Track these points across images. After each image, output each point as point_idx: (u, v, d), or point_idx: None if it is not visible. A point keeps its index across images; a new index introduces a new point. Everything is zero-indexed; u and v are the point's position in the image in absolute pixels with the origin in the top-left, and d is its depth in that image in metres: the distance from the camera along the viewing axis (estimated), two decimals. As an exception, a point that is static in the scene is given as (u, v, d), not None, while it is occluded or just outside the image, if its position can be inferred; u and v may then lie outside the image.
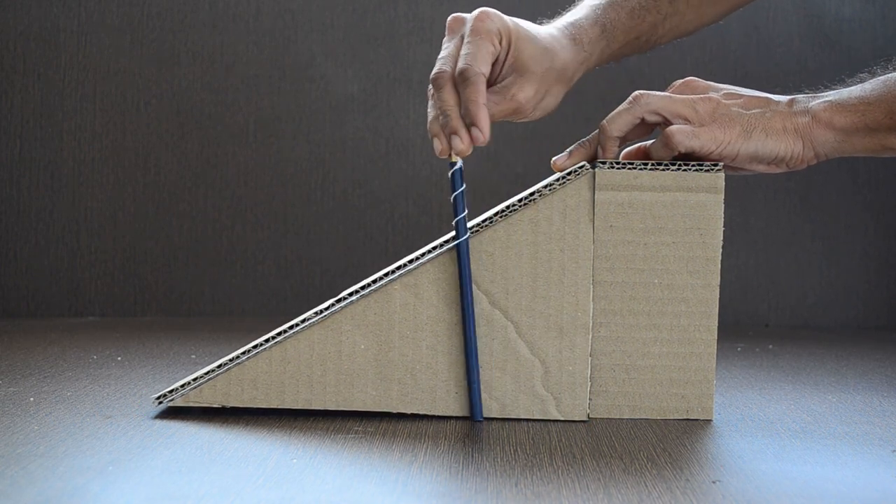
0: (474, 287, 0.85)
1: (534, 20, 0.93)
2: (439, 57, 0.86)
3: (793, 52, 1.62)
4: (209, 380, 0.85)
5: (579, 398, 0.86)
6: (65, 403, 0.89)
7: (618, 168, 0.86)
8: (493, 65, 0.88)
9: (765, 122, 0.86)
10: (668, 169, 0.86)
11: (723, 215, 0.86)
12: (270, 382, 0.85)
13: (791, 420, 0.89)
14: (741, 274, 1.61)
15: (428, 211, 1.60)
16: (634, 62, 1.52)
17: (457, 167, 0.85)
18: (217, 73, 1.60)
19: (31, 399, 0.90)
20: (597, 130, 0.89)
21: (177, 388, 0.85)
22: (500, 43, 0.87)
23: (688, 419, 0.87)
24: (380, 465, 0.73)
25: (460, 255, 0.84)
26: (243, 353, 0.85)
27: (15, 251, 1.57)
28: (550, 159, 0.89)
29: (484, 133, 0.83)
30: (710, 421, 0.87)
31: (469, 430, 0.82)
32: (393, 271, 0.86)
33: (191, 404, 0.85)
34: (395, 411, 0.86)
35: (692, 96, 0.87)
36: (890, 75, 0.87)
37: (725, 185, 0.86)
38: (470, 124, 0.83)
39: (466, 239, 0.84)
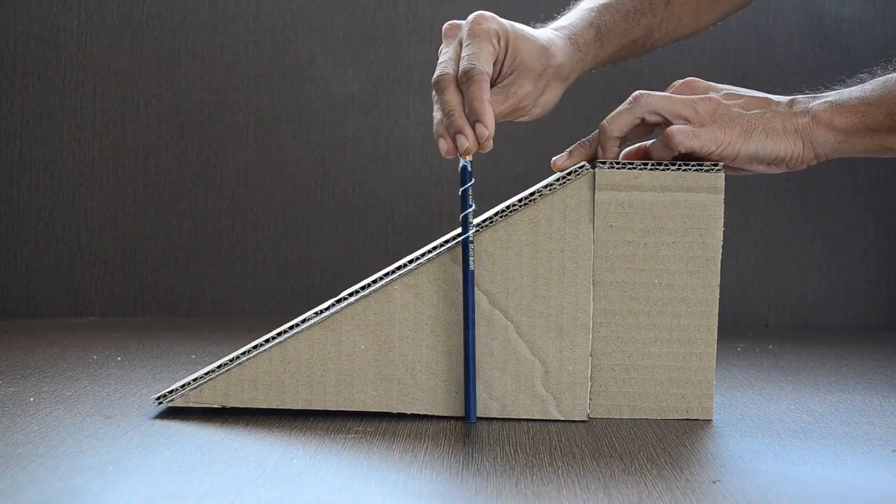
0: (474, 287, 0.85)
1: (529, 24, 0.94)
2: (440, 61, 0.87)
3: (793, 52, 1.62)
4: (209, 380, 0.85)
5: (579, 398, 0.86)
6: (65, 403, 0.89)
7: (618, 168, 0.86)
8: (493, 65, 0.88)
9: (765, 123, 0.86)
10: (668, 169, 0.86)
11: (723, 215, 0.86)
12: (270, 383, 0.85)
13: (791, 420, 0.89)
14: (741, 274, 1.61)
15: (428, 211, 1.60)
16: (634, 62, 1.52)
17: (463, 163, 0.85)
18: (217, 73, 1.60)
19: (31, 399, 0.90)
20: (597, 130, 0.89)
21: (177, 389, 0.85)
22: (499, 43, 0.87)
23: (688, 419, 0.87)
24: (380, 465, 0.73)
25: (465, 249, 0.84)
26: (243, 353, 0.85)
27: (15, 251, 1.57)
28: (550, 159, 0.89)
29: (489, 129, 0.84)
30: (710, 421, 0.87)
31: (469, 430, 0.82)
32: (393, 271, 0.86)
33: (191, 405, 0.85)
34: (395, 411, 0.86)
35: (692, 97, 0.87)
36: (890, 76, 0.87)
37: (725, 185, 0.86)
38: (474, 121, 0.84)
39: (471, 234, 0.84)
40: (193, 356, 1.16)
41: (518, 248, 0.86)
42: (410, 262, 0.86)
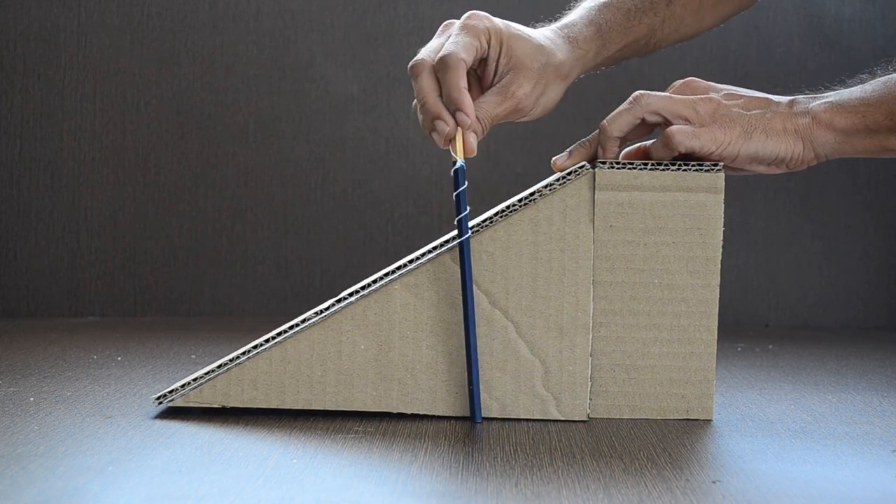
0: (474, 287, 0.85)
1: (529, 24, 0.94)
2: (419, 50, 0.87)
3: (793, 52, 1.62)
4: (209, 380, 0.85)
5: (579, 398, 0.86)
6: (65, 403, 0.89)
7: (618, 168, 0.86)
8: (487, 64, 0.88)
9: (765, 123, 0.86)
10: (668, 169, 0.86)
11: (723, 215, 0.86)
12: (270, 382, 0.85)
13: (791, 420, 0.89)
14: (741, 274, 1.61)
15: (428, 211, 1.60)
16: (634, 62, 1.52)
17: (458, 166, 0.84)
18: (217, 73, 1.60)
19: (31, 399, 0.90)
20: (597, 130, 0.89)
21: (177, 389, 0.85)
22: (489, 42, 0.87)
23: (688, 419, 0.87)
24: (380, 465, 0.73)
25: (462, 253, 0.84)
26: (243, 353, 0.85)
27: (15, 251, 1.57)
28: (550, 159, 0.89)
29: (469, 115, 0.83)
30: (710, 421, 0.87)
31: (469, 430, 0.82)
32: (393, 271, 0.86)
33: (191, 404, 0.85)
34: (395, 411, 0.86)
35: (693, 97, 0.87)
36: (890, 76, 0.87)
37: (725, 185, 0.86)
38: (455, 110, 0.84)
39: (468, 238, 0.84)
40: (193, 356, 1.16)
41: (518, 248, 0.86)
42: (410, 262, 0.86)
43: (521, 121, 0.92)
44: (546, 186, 0.86)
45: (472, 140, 0.85)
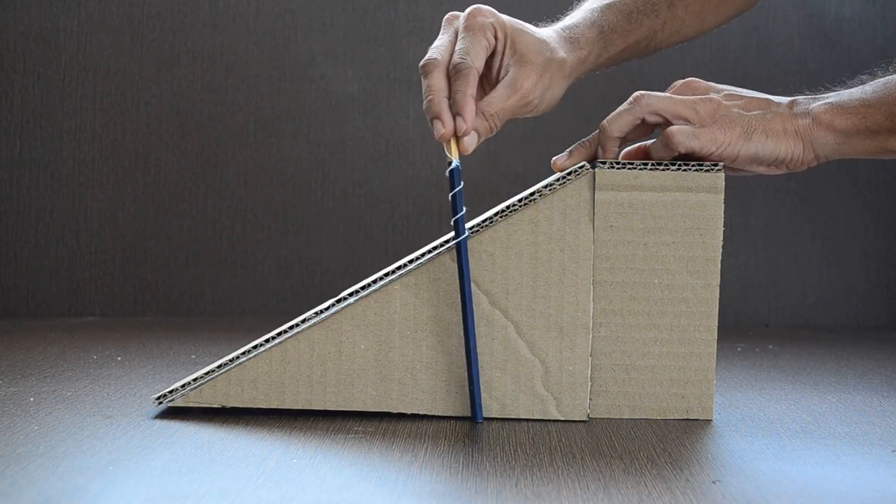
0: (474, 287, 0.85)
1: (531, 24, 0.94)
2: (431, 47, 0.88)
3: (793, 52, 1.62)
4: (209, 380, 0.85)
5: (579, 398, 0.86)
6: (65, 403, 0.89)
7: (618, 168, 0.86)
8: (493, 58, 0.89)
9: (765, 124, 0.86)
10: (668, 169, 0.86)
11: (723, 215, 0.86)
12: (270, 383, 0.85)
13: (791, 420, 0.89)
14: (741, 274, 1.61)
15: (428, 211, 1.60)
16: (634, 62, 1.52)
17: (453, 166, 0.84)
18: (217, 73, 1.60)
19: (31, 399, 0.90)
20: (597, 130, 0.89)
21: (177, 389, 0.85)
22: (495, 36, 0.88)
23: (688, 419, 0.87)
24: (380, 465, 0.73)
25: (460, 254, 0.84)
26: (243, 353, 0.85)
27: (15, 251, 1.57)
28: (550, 159, 0.89)
29: (467, 122, 0.84)
30: (710, 421, 0.87)
31: (469, 430, 0.82)
32: (393, 271, 0.86)
33: (191, 404, 0.85)
34: (395, 411, 0.86)
35: (693, 97, 0.87)
36: (890, 77, 0.87)
37: (725, 185, 0.86)
38: (455, 114, 0.84)
39: (465, 238, 0.84)
40: (193, 356, 1.16)
41: (518, 248, 0.86)
42: (410, 262, 0.86)
43: (529, 116, 0.92)
44: (546, 186, 0.86)
45: (471, 140, 0.85)
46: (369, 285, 0.86)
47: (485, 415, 0.86)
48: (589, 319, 0.86)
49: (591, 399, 0.87)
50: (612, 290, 0.86)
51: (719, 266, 0.86)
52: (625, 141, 0.89)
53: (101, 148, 1.59)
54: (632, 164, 0.86)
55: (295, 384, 0.85)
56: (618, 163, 0.86)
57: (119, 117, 1.59)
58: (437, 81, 0.86)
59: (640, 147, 0.90)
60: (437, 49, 0.87)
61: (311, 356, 0.86)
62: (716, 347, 0.87)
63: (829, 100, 0.87)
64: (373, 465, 0.73)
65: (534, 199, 0.85)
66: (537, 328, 0.86)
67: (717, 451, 0.79)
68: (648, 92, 0.87)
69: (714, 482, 0.70)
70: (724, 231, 0.86)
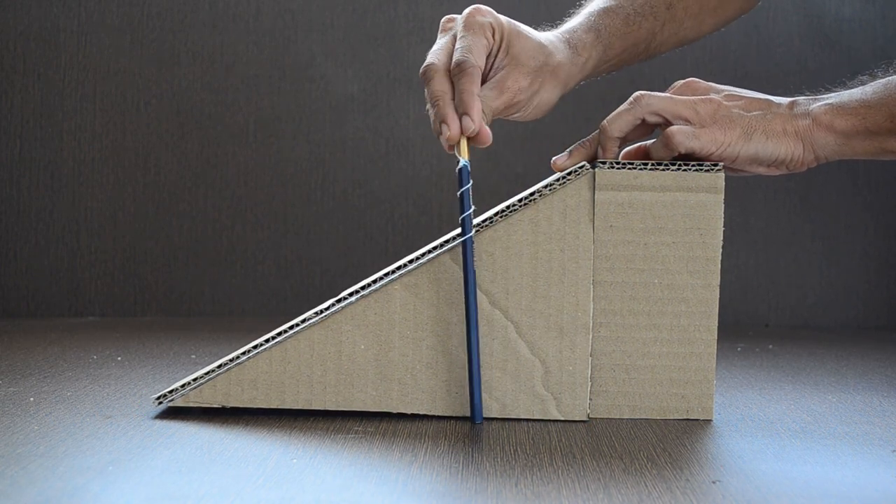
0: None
1: (531, 27, 0.94)
2: (430, 52, 0.87)
3: (793, 52, 1.62)
4: (209, 380, 0.85)
5: (579, 398, 0.86)
6: (65, 403, 0.89)
7: (618, 168, 0.86)
8: (487, 58, 0.88)
9: (765, 125, 0.86)
10: (668, 169, 0.86)
11: (723, 215, 0.86)
12: (270, 382, 0.85)
13: (791, 420, 0.89)
14: (741, 274, 1.61)
15: (428, 211, 1.60)
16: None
17: (461, 166, 0.85)
18: (217, 73, 1.60)
19: (31, 399, 0.90)
20: (597, 130, 0.89)
21: (177, 389, 0.85)
22: (493, 36, 0.87)
23: (688, 419, 0.87)
24: (380, 465, 0.73)
25: (465, 252, 0.84)
26: (243, 353, 0.85)
27: (15, 251, 1.57)
28: (550, 159, 0.89)
29: (475, 121, 0.84)
30: (710, 421, 0.87)
31: (469, 430, 0.82)
32: (393, 271, 0.86)
33: (191, 404, 0.85)
34: (395, 411, 0.86)
35: (693, 97, 0.87)
36: (890, 78, 0.87)
37: (725, 185, 0.86)
38: (462, 113, 0.84)
39: (471, 237, 0.84)
40: (193, 356, 1.16)
41: (518, 248, 0.86)
42: (410, 262, 0.86)
43: (514, 119, 0.92)
44: (546, 186, 0.86)
45: (485, 132, 0.85)
46: (369, 285, 0.86)
47: (485, 415, 0.86)
48: (589, 319, 0.86)
49: (591, 399, 0.87)
50: (612, 290, 0.86)
51: (719, 266, 0.86)
52: (625, 141, 0.89)
53: (101, 148, 1.59)
54: (632, 164, 0.86)
55: (295, 384, 0.85)
56: (618, 163, 0.86)
57: (119, 117, 1.59)
58: (440, 85, 0.85)
59: (640, 147, 0.90)
60: (436, 53, 0.87)
61: (311, 356, 0.86)
62: (716, 347, 0.87)
63: (830, 100, 0.87)
64: (373, 465, 0.73)
65: (534, 199, 0.85)
66: (537, 328, 0.86)
67: (717, 451, 0.79)
68: (648, 92, 0.87)
69: (714, 482, 0.70)
70: (724, 231, 0.86)
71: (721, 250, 0.86)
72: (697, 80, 0.90)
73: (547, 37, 0.92)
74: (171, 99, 1.60)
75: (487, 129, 0.86)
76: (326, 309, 0.86)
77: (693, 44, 1.59)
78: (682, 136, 0.85)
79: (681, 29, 1.00)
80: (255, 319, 1.55)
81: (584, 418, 0.86)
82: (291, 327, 0.85)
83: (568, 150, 0.89)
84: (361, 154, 1.61)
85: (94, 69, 1.59)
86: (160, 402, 0.86)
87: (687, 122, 0.86)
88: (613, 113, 0.88)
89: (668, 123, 0.86)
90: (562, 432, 0.82)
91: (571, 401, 0.86)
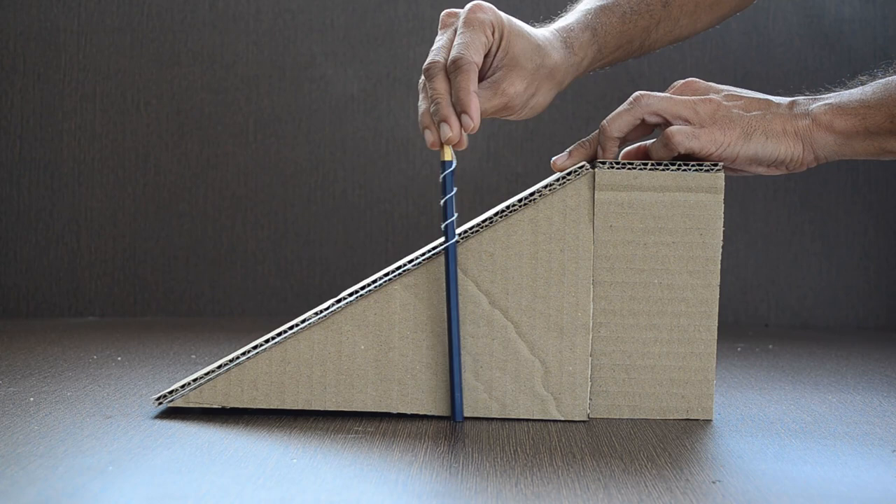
0: (474, 287, 0.85)
1: (528, 23, 0.93)
2: (432, 49, 0.87)
3: (793, 52, 1.62)
4: (209, 380, 0.85)
5: (579, 398, 0.86)
6: (65, 403, 0.89)
7: (618, 168, 0.86)
8: (485, 57, 0.88)
9: (765, 125, 0.86)
10: (667, 169, 0.86)
11: (723, 215, 0.86)
12: (270, 383, 0.85)
13: (791, 420, 0.89)
14: (741, 274, 1.61)
15: (428, 211, 1.60)
16: (634, 62, 1.52)
17: (449, 170, 0.84)
18: (217, 73, 1.60)
19: (31, 399, 0.90)
20: (597, 130, 0.89)
21: (177, 389, 0.85)
22: (493, 34, 0.87)
23: (688, 419, 0.87)
24: (380, 465, 0.73)
25: (448, 258, 0.84)
26: (243, 353, 0.85)
27: (15, 251, 1.57)
28: (550, 159, 0.89)
29: (474, 120, 0.83)
30: (710, 421, 0.87)
31: (469, 430, 0.82)
32: (393, 271, 0.86)
33: (191, 405, 0.85)
34: (395, 411, 0.86)
35: (693, 97, 0.87)
36: (890, 78, 0.87)
37: (725, 185, 0.86)
38: (460, 112, 0.84)
39: (454, 243, 0.84)
40: (193, 356, 1.16)
41: (518, 248, 0.86)
42: (410, 262, 0.86)
43: (508, 119, 0.91)
44: (546, 186, 0.86)
45: (464, 136, 0.85)
46: (369, 285, 0.86)
47: (485, 415, 0.86)
48: (589, 319, 0.86)
49: (591, 399, 0.87)
50: (612, 290, 0.86)
51: (719, 266, 0.86)
52: (625, 141, 0.89)
53: (101, 148, 1.59)
54: (632, 164, 0.86)
55: (295, 384, 0.85)
56: (618, 163, 0.86)
57: (119, 117, 1.59)
58: (442, 84, 0.85)
59: (639, 147, 0.90)
60: (439, 51, 0.87)
61: (311, 356, 0.86)
62: (716, 347, 0.87)
63: (829, 101, 0.87)
64: (373, 465, 0.73)
65: (534, 199, 0.86)
66: (537, 328, 0.86)
67: (717, 451, 0.79)
68: (648, 92, 0.87)
69: (714, 482, 0.70)
70: (724, 231, 0.86)
71: (721, 250, 0.86)
72: (697, 80, 0.89)
73: (544, 35, 0.92)
74: (171, 99, 1.60)
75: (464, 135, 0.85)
76: (326, 309, 0.86)
77: (693, 44, 1.60)
78: (682, 137, 0.85)
79: (676, 26, 1.00)
80: (255, 319, 1.55)
81: (584, 418, 0.86)
82: (291, 327, 0.85)
83: (568, 150, 0.89)
84: (361, 154, 1.61)
85: (94, 69, 1.59)
86: (160, 403, 0.86)
87: (686, 122, 0.86)
88: (613, 113, 0.88)
89: (667, 123, 0.86)
90: (562, 432, 0.82)
91: (571, 401, 0.86)
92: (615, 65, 1.00)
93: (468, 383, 0.85)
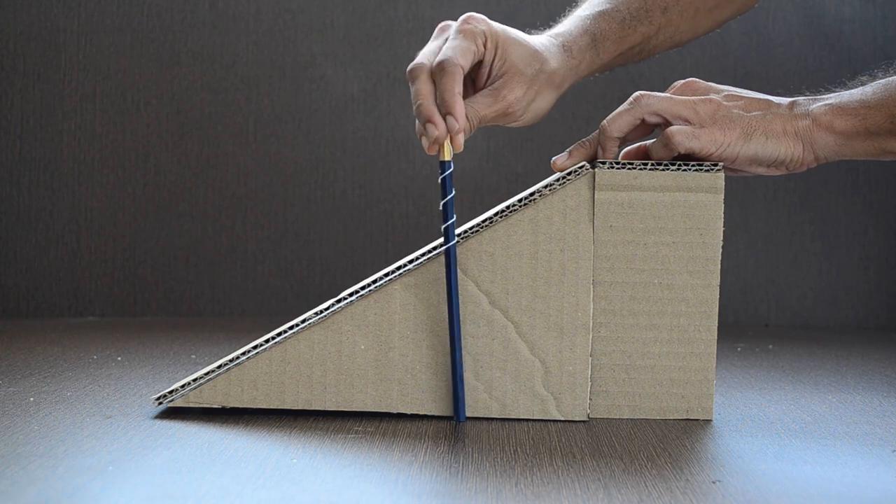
0: (474, 287, 0.86)
1: (525, 30, 0.93)
2: (419, 54, 0.87)
3: (793, 52, 1.62)
4: (209, 380, 0.85)
5: (579, 398, 0.86)
6: (65, 403, 0.89)
7: (618, 168, 0.86)
8: (481, 67, 0.88)
9: (765, 125, 0.86)
10: (667, 169, 0.86)
11: (723, 215, 0.86)
12: (270, 383, 0.85)
13: (791, 420, 0.89)
14: (741, 274, 1.61)
15: (428, 211, 1.60)
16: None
17: (448, 172, 0.84)
18: (217, 73, 1.60)
19: (31, 399, 0.90)
20: (597, 131, 0.89)
21: (177, 389, 0.85)
22: (485, 45, 0.87)
23: (688, 419, 0.87)
24: (380, 465, 0.73)
25: (448, 260, 0.84)
26: (243, 353, 0.85)
27: (15, 251, 1.57)
28: (550, 159, 0.89)
29: (458, 121, 0.83)
30: (710, 421, 0.87)
31: (470, 431, 0.82)
32: (393, 271, 0.86)
33: (191, 405, 0.85)
34: (395, 411, 0.86)
35: (693, 98, 0.87)
36: (890, 79, 0.87)
37: (725, 185, 0.86)
38: (445, 114, 0.83)
39: (454, 245, 0.84)
40: (193, 356, 1.16)
41: (518, 248, 0.86)
42: (410, 262, 0.86)
43: (511, 125, 0.92)
44: (546, 186, 0.86)
45: (460, 138, 0.85)
46: (369, 285, 0.86)
47: (485, 415, 0.86)
48: (589, 319, 0.86)
49: (591, 399, 0.87)
50: (612, 290, 0.86)
51: (719, 266, 0.86)
52: (625, 141, 0.89)
53: (101, 148, 1.59)
54: (632, 164, 0.86)
55: (295, 384, 0.85)
56: (618, 163, 0.86)
57: (119, 117, 1.59)
58: (425, 85, 0.85)
59: (639, 147, 0.90)
60: (425, 54, 0.87)
61: (311, 356, 0.86)
62: (716, 347, 0.87)
63: (829, 101, 0.87)
64: (373, 465, 0.73)
65: (534, 199, 0.86)
66: (537, 328, 0.86)
67: (717, 451, 0.79)
68: (648, 92, 0.87)
69: (714, 482, 0.70)
70: (724, 231, 0.86)
71: (721, 250, 0.86)
72: (697, 80, 0.90)
73: (541, 41, 0.92)
74: (171, 99, 1.60)
75: (460, 135, 0.85)
76: (326, 309, 0.86)
77: (693, 44, 1.60)
78: (682, 137, 0.85)
79: (676, 32, 1.00)
80: (255, 319, 1.55)
81: (584, 418, 0.86)
82: (291, 327, 0.85)
83: (568, 150, 0.89)
84: (361, 154, 1.61)
85: (94, 69, 1.59)
86: (160, 403, 0.86)
87: (686, 122, 0.86)
88: (613, 113, 0.88)
89: (667, 123, 0.86)
90: (562, 432, 0.82)
91: (571, 401, 0.86)
92: (614, 69, 1.00)
93: (468, 383, 0.85)
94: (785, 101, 0.88)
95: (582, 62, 0.94)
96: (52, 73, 1.58)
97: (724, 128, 0.85)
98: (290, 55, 1.60)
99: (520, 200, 0.86)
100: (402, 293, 0.86)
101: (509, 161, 1.61)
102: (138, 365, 1.10)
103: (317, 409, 0.86)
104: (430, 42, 0.89)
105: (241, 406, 0.85)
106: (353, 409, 0.86)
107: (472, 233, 0.86)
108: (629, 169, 0.86)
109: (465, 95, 0.88)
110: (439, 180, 0.84)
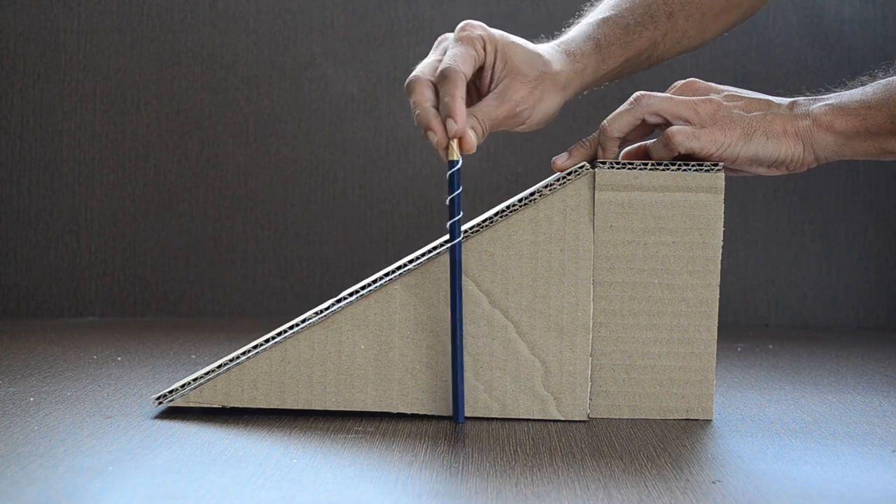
0: (474, 287, 0.86)
1: (531, 39, 0.93)
2: (416, 66, 0.87)
3: (793, 52, 1.62)
4: (209, 380, 0.85)
5: (579, 398, 0.86)
6: (65, 403, 0.89)
7: (618, 168, 0.86)
8: (483, 72, 0.88)
9: (765, 125, 0.86)
10: (667, 169, 0.86)
11: (723, 215, 0.86)
12: (270, 383, 0.85)
13: (791, 420, 0.89)
14: (741, 274, 1.61)
15: (428, 211, 1.60)
16: (634, 62, 1.52)
17: (456, 168, 0.84)
18: (217, 73, 1.60)
19: (31, 399, 0.90)
20: (597, 131, 0.89)
21: (177, 389, 0.85)
22: (485, 49, 0.87)
23: (688, 419, 0.87)
24: (380, 465, 0.73)
25: (453, 258, 0.84)
26: (243, 353, 0.85)
27: (15, 251, 1.57)
28: (550, 159, 0.89)
29: (458, 124, 0.83)
30: (710, 421, 0.87)
31: (469, 430, 0.82)
32: (393, 271, 0.86)
33: (191, 404, 0.85)
34: (395, 411, 0.86)
35: (693, 98, 0.87)
36: (891, 79, 0.87)
37: (725, 185, 0.86)
38: (446, 117, 0.83)
39: (459, 242, 0.84)
40: (193, 356, 1.16)
41: (518, 248, 0.86)
42: (410, 262, 0.86)
43: (520, 129, 0.91)
44: (546, 186, 0.86)
45: (473, 137, 0.85)
46: (369, 285, 0.86)
47: (485, 415, 0.86)
48: (589, 319, 0.86)
49: (591, 399, 0.87)
50: (612, 290, 0.86)
51: (719, 266, 0.86)
52: (625, 141, 0.89)
53: (101, 148, 1.59)
54: (632, 164, 0.86)
55: (295, 384, 0.85)
56: (618, 163, 0.86)
57: (119, 117, 1.59)
58: (423, 94, 0.85)
59: (640, 147, 0.90)
60: (421, 67, 0.87)
61: (311, 356, 0.86)
62: (716, 347, 0.87)
63: (830, 101, 0.87)
64: (373, 465, 0.73)
65: (534, 199, 0.86)
66: (537, 328, 0.86)
67: (717, 451, 0.79)
68: (649, 92, 0.87)
69: (714, 482, 0.70)
70: (724, 231, 0.86)
71: (721, 250, 0.86)
72: (697, 80, 0.90)
73: (543, 47, 0.92)
74: (171, 99, 1.60)
75: (471, 134, 0.85)
76: (326, 309, 0.86)
77: (693, 44, 1.59)
78: (682, 137, 0.85)
79: (684, 38, 1.00)
80: (255, 319, 1.55)
81: (584, 418, 0.86)
82: (291, 327, 0.85)
83: (568, 150, 0.89)
84: (361, 154, 1.61)
85: (94, 69, 1.59)
86: (160, 402, 0.86)
87: (687, 122, 0.86)
88: (613, 113, 0.88)
89: (668, 124, 0.86)
90: (562, 432, 0.82)
91: (571, 401, 0.86)
92: (623, 77, 0.99)
93: (468, 383, 0.85)
94: (785, 101, 0.88)
95: (587, 66, 0.93)
96: (52, 73, 1.58)
97: (724, 128, 0.85)
98: (290, 55, 1.60)
99: (520, 200, 0.86)
100: (403, 293, 0.86)
101: (509, 161, 1.61)
102: (138, 365, 1.10)
103: (317, 408, 0.86)
104: (428, 56, 0.89)
105: (241, 406, 0.85)
106: (353, 409, 0.86)
107: (472, 233, 0.86)
108: (629, 169, 0.86)
109: (471, 103, 0.87)
110: (447, 175, 0.84)
